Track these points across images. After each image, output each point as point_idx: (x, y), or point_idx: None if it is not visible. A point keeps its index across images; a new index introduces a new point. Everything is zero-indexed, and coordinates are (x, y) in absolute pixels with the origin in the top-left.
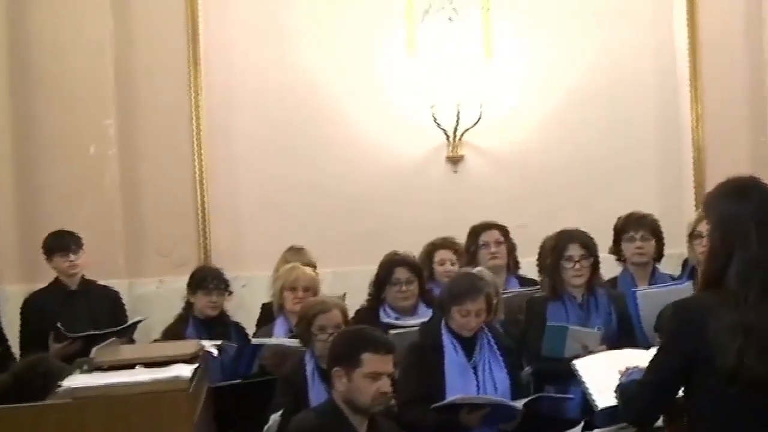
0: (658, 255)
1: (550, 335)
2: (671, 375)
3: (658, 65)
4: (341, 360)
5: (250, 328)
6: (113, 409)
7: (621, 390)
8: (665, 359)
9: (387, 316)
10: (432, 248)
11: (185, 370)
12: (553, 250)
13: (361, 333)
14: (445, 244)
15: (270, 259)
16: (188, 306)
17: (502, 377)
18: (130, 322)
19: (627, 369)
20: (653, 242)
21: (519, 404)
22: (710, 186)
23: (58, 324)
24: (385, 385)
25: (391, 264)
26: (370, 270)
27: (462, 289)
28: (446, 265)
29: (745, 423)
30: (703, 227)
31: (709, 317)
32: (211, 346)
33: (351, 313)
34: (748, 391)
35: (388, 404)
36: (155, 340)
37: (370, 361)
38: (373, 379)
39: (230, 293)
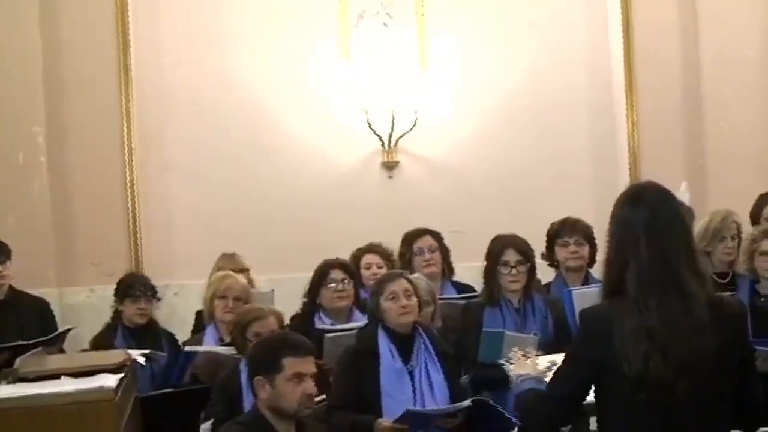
0: (591, 260)
1: (486, 341)
2: (578, 385)
3: (593, 72)
4: (262, 368)
5: (183, 337)
6: (37, 420)
7: (518, 400)
8: (572, 369)
9: (322, 323)
10: (359, 253)
11: (111, 380)
12: (489, 256)
13: (278, 338)
14: (371, 248)
15: (203, 267)
16: (116, 315)
17: (439, 380)
18: (58, 331)
19: (519, 376)
20: (587, 247)
21: (465, 402)
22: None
23: None
24: (310, 386)
25: (325, 266)
26: (305, 277)
27: (381, 278)
28: (372, 269)
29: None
30: None
31: (614, 325)
32: (138, 356)
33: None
34: (655, 398)
35: (314, 407)
36: (84, 350)
37: (291, 364)
38: (297, 382)
39: (158, 299)
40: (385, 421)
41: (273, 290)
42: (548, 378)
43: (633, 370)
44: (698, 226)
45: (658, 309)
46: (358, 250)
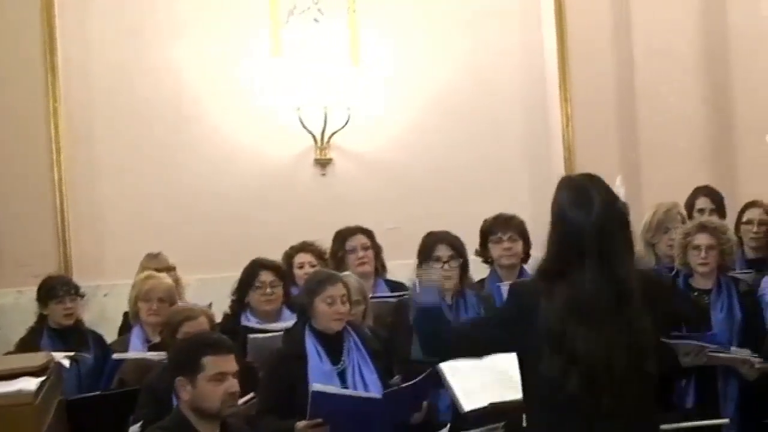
0: (526, 256)
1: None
2: (489, 343)
3: (526, 66)
4: (182, 368)
5: (113, 338)
6: None
7: (421, 311)
8: (496, 331)
9: (248, 321)
10: (291, 252)
11: (30, 383)
12: (421, 252)
13: (197, 338)
14: (304, 247)
15: (133, 267)
16: (41, 317)
17: (373, 379)
18: None
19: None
20: (520, 243)
21: (377, 395)
22: None
23: None
24: (232, 385)
25: (254, 267)
26: (236, 276)
27: (320, 277)
28: (305, 268)
29: (573, 416)
30: None
31: (539, 303)
32: (62, 358)
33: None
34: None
35: (237, 405)
36: (9, 353)
37: (212, 363)
38: (218, 381)
39: (82, 297)
40: (302, 422)
41: (210, 303)
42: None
43: (549, 374)
44: (644, 219)
45: (584, 336)
46: (291, 248)
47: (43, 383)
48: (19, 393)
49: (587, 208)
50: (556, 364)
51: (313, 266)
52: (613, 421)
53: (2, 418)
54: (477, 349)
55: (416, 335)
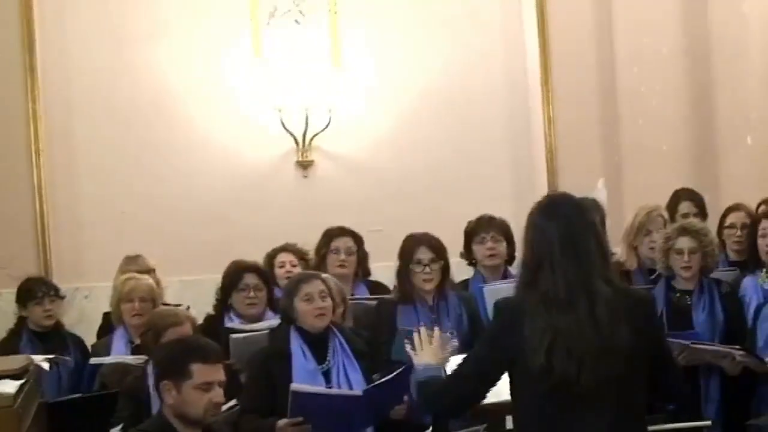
0: (510, 257)
1: (400, 341)
2: (492, 368)
3: (508, 68)
4: (169, 373)
5: (93, 340)
6: None
7: (422, 384)
8: (488, 352)
9: (231, 323)
10: (273, 253)
11: (10, 386)
12: (402, 254)
13: (188, 343)
14: (286, 248)
15: (113, 269)
16: (20, 320)
17: (358, 379)
18: None
19: (421, 365)
20: (504, 243)
21: (357, 392)
22: (562, 187)
23: None
24: (217, 395)
25: (238, 269)
26: (217, 279)
27: (296, 278)
28: (286, 267)
29: (557, 420)
30: None
31: (525, 317)
32: (42, 360)
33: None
34: (559, 389)
35: (219, 414)
36: None
37: (200, 372)
38: (204, 390)
39: (62, 298)
40: (283, 420)
41: (189, 306)
42: (448, 368)
43: (535, 363)
44: (626, 222)
45: (564, 313)
46: (273, 249)
47: (22, 386)
48: None
49: (554, 214)
50: (542, 350)
51: (294, 266)
52: (600, 416)
53: None
54: (484, 379)
55: (419, 401)
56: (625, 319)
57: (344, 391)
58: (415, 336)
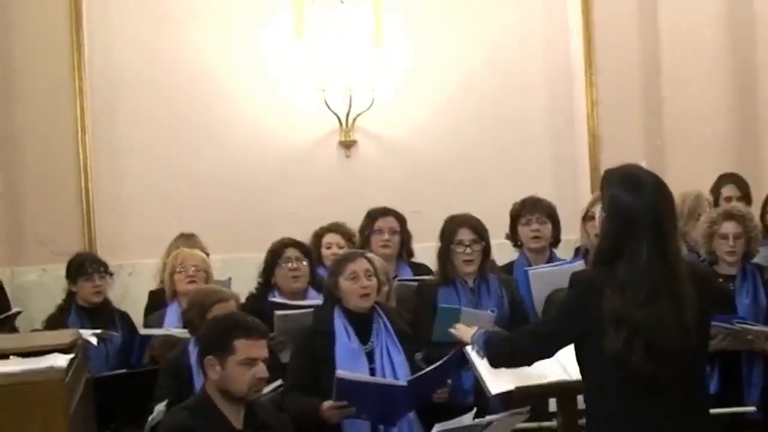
0: (555, 240)
1: (441, 318)
2: (562, 334)
3: (552, 51)
4: (213, 348)
5: (137, 317)
6: None
7: (487, 339)
8: (561, 319)
9: (275, 299)
10: (321, 232)
11: (61, 360)
12: (443, 236)
13: (232, 319)
14: (334, 228)
15: (156, 247)
16: (69, 295)
17: (400, 361)
18: (6, 313)
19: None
20: (549, 226)
21: (402, 382)
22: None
23: None
24: (261, 370)
25: (280, 245)
26: (259, 257)
27: (341, 257)
28: (333, 248)
29: (630, 400)
30: (597, 210)
31: (602, 299)
32: (90, 335)
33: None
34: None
35: (263, 390)
36: (33, 330)
37: (244, 348)
38: (248, 365)
39: (111, 275)
40: (328, 402)
41: (230, 278)
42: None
43: (613, 350)
44: None
45: (645, 305)
46: (321, 228)
47: (72, 360)
48: (50, 369)
49: (640, 191)
50: (619, 339)
51: (341, 247)
52: (674, 397)
53: (33, 394)
54: (553, 341)
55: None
56: (705, 313)
57: (389, 381)
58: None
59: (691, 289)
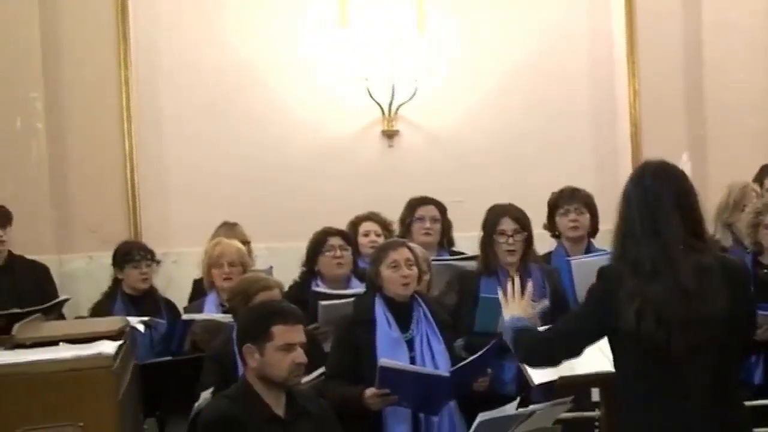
0: (593, 230)
1: (483, 308)
2: (592, 327)
3: (594, 40)
4: (251, 336)
5: (181, 305)
6: (34, 387)
7: (516, 332)
8: (590, 312)
9: (318, 288)
10: (357, 221)
11: (109, 347)
12: (485, 225)
13: (268, 306)
14: (370, 217)
15: (200, 235)
16: (115, 283)
17: (440, 350)
18: (54, 301)
19: (507, 316)
20: (587, 216)
21: (444, 372)
22: None
23: None
24: (299, 355)
25: (323, 234)
26: (302, 247)
27: (383, 246)
28: (371, 236)
29: (654, 382)
30: None
31: (621, 285)
32: (137, 323)
33: None
34: (652, 354)
35: (302, 375)
36: (78, 317)
37: (281, 333)
38: (286, 351)
39: (158, 263)
40: (371, 390)
41: (271, 267)
42: (537, 324)
43: (627, 326)
44: (717, 200)
45: (652, 279)
46: (357, 217)
47: (120, 347)
48: (98, 356)
49: (640, 184)
50: (631, 312)
51: (378, 235)
52: (697, 375)
53: (83, 380)
54: (581, 337)
55: (513, 348)
56: (722, 286)
57: (432, 370)
58: (508, 286)
59: (698, 260)
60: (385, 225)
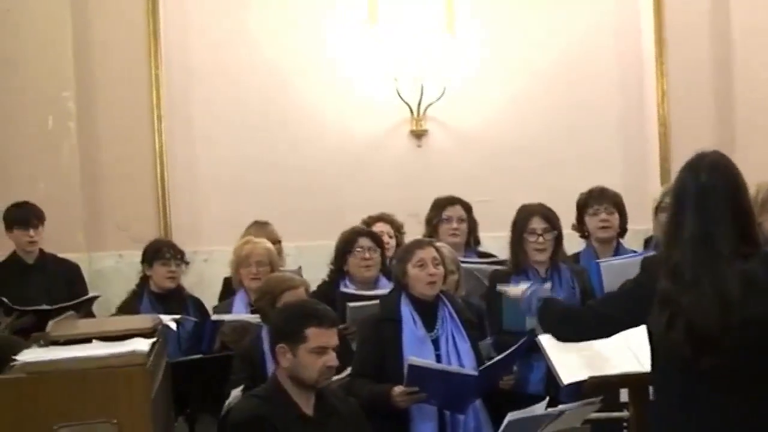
0: (622, 230)
1: (513, 306)
2: (623, 314)
3: (622, 40)
4: (285, 336)
5: (211, 303)
6: (68, 384)
7: (544, 303)
8: (625, 299)
9: (346, 288)
10: (369, 221)
11: (143, 345)
12: (515, 224)
13: (304, 308)
14: (383, 217)
15: (230, 234)
16: (142, 281)
17: (466, 349)
18: (83, 297)
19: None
20: (617, 216)
21: (473, 371)
22: (675, 162)
23: (3, 298)
24: (331, 359)
25: (353, 234)
26: (330, 245)
27: (410, 244)
28: (384, 237)
29: (693, 390)
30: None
31: (659, 280)
32: (170, 320)
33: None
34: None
35: (332, 378)
36: (112, 315)
37: (315, 336)
38: (318, 354)
39: (187, 263)
40: (399, 387)
41: (300, 267)
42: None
43: (656, 328)
44: None
45: (690, 286)
46: (369, 218)
47: (153, 345)
48: (132, 353)
49: (695, 170)
50: (662, 318)
51: (391, 237)
52: (739, 396)
53: (117, 377)
54: (615, 321)
55: (537, 318)
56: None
57: (461, 369)
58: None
59: (743, 268)
60: (397, 227)
